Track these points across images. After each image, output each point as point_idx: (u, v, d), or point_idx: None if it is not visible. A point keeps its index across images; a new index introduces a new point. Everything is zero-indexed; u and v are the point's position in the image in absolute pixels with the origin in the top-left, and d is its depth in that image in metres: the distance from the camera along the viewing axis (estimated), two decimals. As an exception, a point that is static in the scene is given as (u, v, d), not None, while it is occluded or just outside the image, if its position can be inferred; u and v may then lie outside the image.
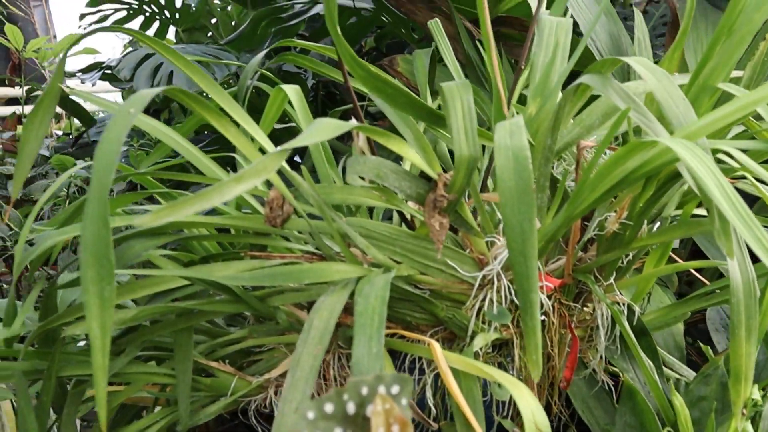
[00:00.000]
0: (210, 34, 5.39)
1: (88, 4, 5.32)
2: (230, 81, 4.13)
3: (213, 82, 1.23)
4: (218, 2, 4.92)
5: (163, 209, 0.78)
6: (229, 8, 5.28)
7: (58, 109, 5.43)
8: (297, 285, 1.20)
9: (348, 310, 1.23)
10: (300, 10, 2.74)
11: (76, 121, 6.36)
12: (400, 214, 1.28)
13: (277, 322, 1.33)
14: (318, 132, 0.91)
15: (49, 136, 6.16)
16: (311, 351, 1.05)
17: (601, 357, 1.37)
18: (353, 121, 1.06)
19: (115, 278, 1.28)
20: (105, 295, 0.90)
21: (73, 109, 5.58)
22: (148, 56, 3.86)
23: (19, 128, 5.72)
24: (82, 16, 5.35)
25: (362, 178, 1.22)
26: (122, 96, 5.87)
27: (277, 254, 1.26)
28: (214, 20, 5.39)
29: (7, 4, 7.34)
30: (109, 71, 4.36)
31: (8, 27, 5.33)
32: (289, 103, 1.41)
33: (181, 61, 1.25)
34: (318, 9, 2.71)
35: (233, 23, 5.29)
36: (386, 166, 1.08)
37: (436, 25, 1.77)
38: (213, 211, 1.54)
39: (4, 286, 3.06)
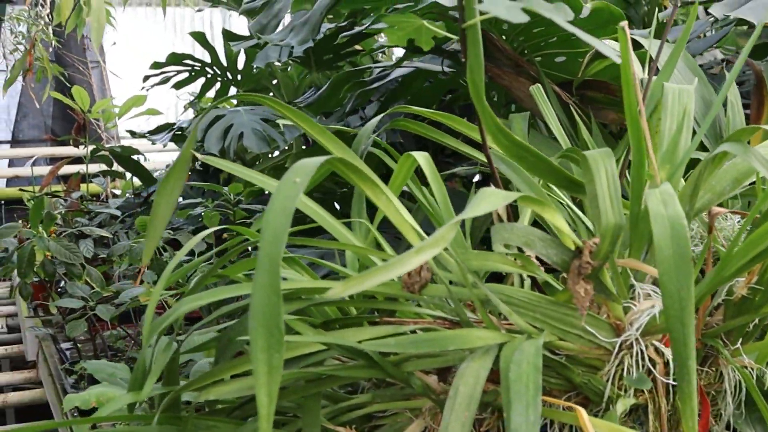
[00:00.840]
0: (271, 94, 5.44)
1: (152, 66, 5.39)
2: (300, 141, 4.17)
3: (347, 149, 1.25)
4: (278, 64, 4.97)
5: (353, 280, 0.79)
6: (290, 69, 5.33)
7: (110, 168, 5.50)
8: (431, 350, 1.20)
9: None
10: (382, 74, 2.77)
11: (135, 180, 6.43)
12: (533, 280, 1.28)
13: (401, 387, 1.33)
14: (487, 202, 0.91)
15: (107, 197, 6.23)
16: (459, 418, 1.05)
17: (724, 422, 1.36)
18: (515, 192, 1.06)
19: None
20: (273, 363, 0.91)
21: (135, 168, 5.66)
22: (218, 118, 3.90)
23: (83, 187, 5.79)
24: (146, 78, 5.42)
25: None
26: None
27: (410, 320, 1.26)
28: (275, 81, 5.44)
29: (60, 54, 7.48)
30: (179, 132, 4.41)
31: (76, 89, 5.43)
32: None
33: (316, 129, 1.26)
34: (399, 73, 2.74)
35: (295, 85, 5.34)
36: (534, 234, 1.09)
37: (538, 90, 1.78)
38: (330, 274, 1.55)
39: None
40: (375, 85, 2.71)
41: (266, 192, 3.36)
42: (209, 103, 6.20)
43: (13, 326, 6.21)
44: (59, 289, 4.77)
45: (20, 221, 7.71)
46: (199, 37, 5.35)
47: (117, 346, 3.10)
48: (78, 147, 5.46)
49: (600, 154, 1.12)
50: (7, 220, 9.20)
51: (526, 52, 2.43)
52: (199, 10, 9.08)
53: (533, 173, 1.17)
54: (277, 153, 5.11)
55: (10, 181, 9.41)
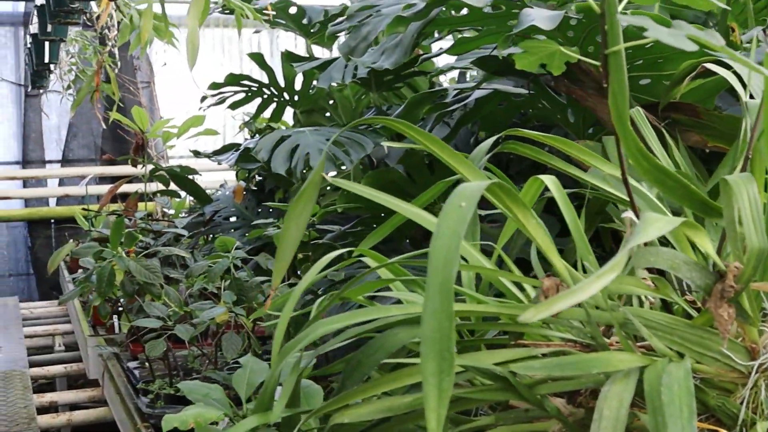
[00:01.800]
0: (328, 114, 5.47)
1: (210, 87, 5.43)
2: (363, 162, 4.19)
3: (477, 170, 1.26)
4: (335, 85, 4.99)
5: (544, 305, 0.80)
6: (345, 90, 5.36)
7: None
8: (572, 373, 1.21)
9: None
10: (462, 96, 2.78)
11: (188, 199, 6.47)
12: (664, 303, 1.28)
13: (526, 410, 1.33)
14: (654, 227, 0.92)
15: (162, 216, 6.28)
16: (606, 441, 1.05)
17: None
18: (678, 218, 1.07)
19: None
20: (443, 386, 0.92)
21: (192, 188, 5.71)
22: (283, 138, 3.92)
23: (140, 206, 5.84)
24: (203, 99, 5.47)
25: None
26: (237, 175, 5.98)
27: (542, 342, 1.27)
28: (331, 102, 5.47)
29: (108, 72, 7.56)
30: (244, 152, 4.44)
31: (135, 109, 5.48)
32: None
33: (446, 152, 1.27)
34: (479, 94, 2.75)
35: (353, 106, 5.36)
36: (679, 258, 1.09)
37: (638, 114, 1.78)
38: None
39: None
40: (455, 106, 2.72)
41: (339, 210, 3.37)
42: (264, 123, 6.25)
43: (69, 344, 6.27)
44: (120, 308, 4.82)
45: (71, 240, 7.80)
46: (257, 58, 5.39)
47: (191, 366, 3.12)
48: (136, 166, 5.50)
49: (742, 178, 1.12)
50: (58, 238, 9.30)
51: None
52: (256, 32, 9.15)
53: (671, 197, 1.18)
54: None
55: (61, 200, 9.51)
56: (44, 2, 5.21)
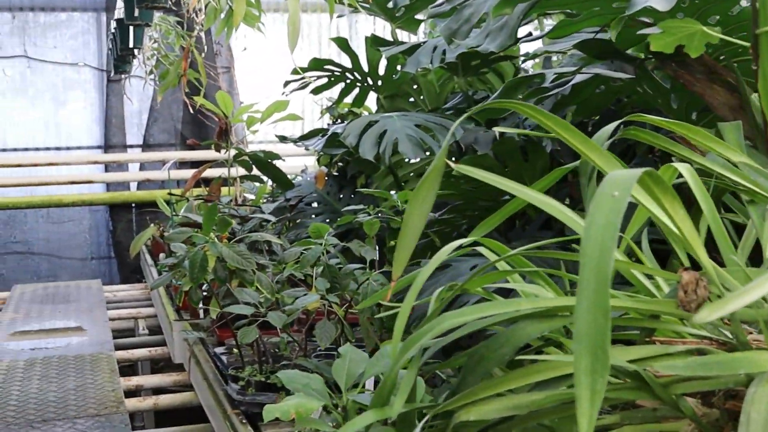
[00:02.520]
0: (412, 100, 5.42)
1: (293, 72, 5.41)
2: (451, 148, 4.12)
3: (615, 161, 1.19)
4: (419, 69, 4.91)
5: (717, 304, 0.74)
6: (429, 75, 5.30)
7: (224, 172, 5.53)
8: (714, 373, 1.14)
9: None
10: (563, 81, 2.70)
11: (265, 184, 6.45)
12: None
13: (653, 409, 1.27)
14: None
15: (244, 201, 6.28)
16: (756, 446, 0.99)
17: None
18: None
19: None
20: (597, 387, 0.86)
21: (274, 173, 5.69)
22: (371, 123, 3.88)
23: (223, 190, 5.84)
24: (287, 83, 5.45)
25: None
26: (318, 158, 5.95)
27: (676, 339, 1.20)
28: (415, 86, 5.41)
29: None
30: (332, 137, 4.40)
31: (220, 94, 5.47)
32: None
33: (578, 139, 1.21)
34: (579, 78, 2.68)
35: (437, 90, 5.30)
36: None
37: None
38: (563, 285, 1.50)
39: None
40: (555, 91, 2.65)
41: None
42: (346, 109, 6.21)
43: (151, 327, 6.31)
44: (205, 293, 4.82)
45: (152, 224, 7.86)
46: (341, 43, 5.35)
47: (282, 352, 3.09)
48: (219, 151, 5.50)
49: None
50: (138, 222, 9.38)
51: (722, 58, 2.34)
52: (339, 16, 9.12)
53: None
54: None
55: (141, 185, 9.59)
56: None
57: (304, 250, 2.86)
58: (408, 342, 1.23)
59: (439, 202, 3.51)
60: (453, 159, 4.76)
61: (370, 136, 3.78)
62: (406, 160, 5.24)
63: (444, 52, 3.96)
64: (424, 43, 4.14)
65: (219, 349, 3.80)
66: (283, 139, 5.18)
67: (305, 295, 2.79)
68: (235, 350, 3.45)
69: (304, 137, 4.72)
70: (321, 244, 2.89)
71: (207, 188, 5.81)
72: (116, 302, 7.11)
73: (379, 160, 3.76)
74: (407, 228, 1.25)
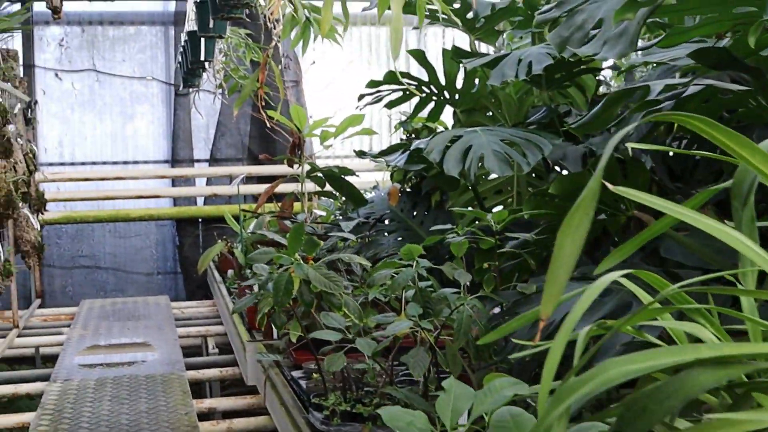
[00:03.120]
0: (490, 114, 5.27)
1: (368, 85, 5.30)
2: (537, 164, 3.94)
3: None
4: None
5: None
6: (508, 88, 5.14)
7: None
8: None
9: None
10: (675, 93, 2.51)
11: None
12: None
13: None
14: None
15: (314, 218, 6.15)
16: None
17: None
18: None
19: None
20: None
21: (348, 190, 5.55)
22: (455, 139, 3.72)
23: (296, 205, 5.71)
24: (361, 97, 5.33)
25: None
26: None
27: None
28: (494, 99, 5.26)
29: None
30: (415, 152, 4.24)
31: (294, 108, 5.36)
32: None
33: (759, 157, 1.03)
34: (693, 90, 2.48)
35: (516, 104, 5.13)
36: None
37: None
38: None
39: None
40: (666, 103, 2.46)
41: (525, 217, 3.13)
42: (420, 123, 6.07)
43: (220, 345, 6.19)
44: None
45: (219, 240, 7.75)
46: (418, 55, 5.21)
47: (368, 380, 2.92)
48: (292, 166, 5.37)
49: None
50: (205, 237, 9.30)
51: None
52: (415, 28, 8.98)
53: None
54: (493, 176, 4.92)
55: (208, 200, 9.51)
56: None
57: (395, 272, 2.70)
58: (563, 392, 1.06)
59: (524, 221, 3.34)
60: (534, 175, 4.59)
61: (454, 152, 3.62)
62: (485, 176, 5.07)
63: (530, 65, 3.79)
64: (508, 55, 3.97)
65: (296, 373, 3.65)
66: (362, 154, 5.03)
67: (394, 320, 2.62)
68: (315, 375, 3.29)
69: (384, 152, 4.56)
70: (411, 266, 2.72)
71: (278, 204, 5.68)
72: (184, 319, 6.99)
73: (464, 176, 3.60)
74: (560, 258, 1.08)
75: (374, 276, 2.75)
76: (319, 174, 5.37)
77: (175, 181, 9.60)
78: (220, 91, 8.61)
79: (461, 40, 8.78)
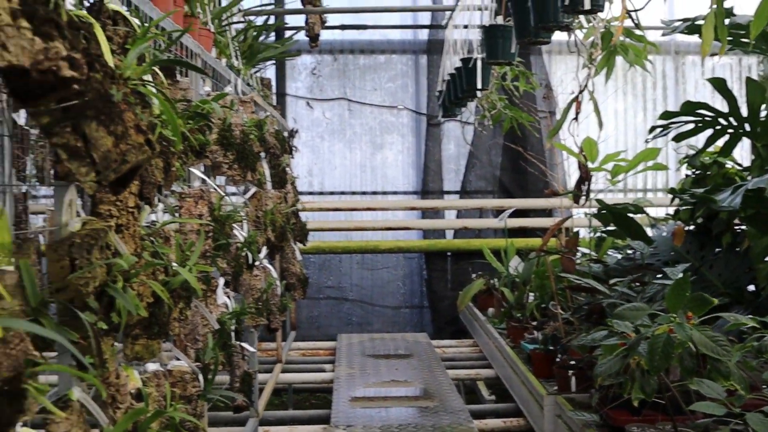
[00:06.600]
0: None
1: (661, 117, 4.97)
2: None
3: None
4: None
5: None
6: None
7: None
8: None
9: None
10: None
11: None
12: None
13: None
14: None
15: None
16: None
17: None
18: None
19: None
20: None
21: (634, 228, 5.14)
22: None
23: (553, 240, 5.34)
24: (652, 129, 4.99)
25: None
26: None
27: None
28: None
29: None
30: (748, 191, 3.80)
31: (586, 141, 4.99)
32: None
33: None
34: None
35: None
36: None
37: None
38: None
39: None
40: None
41: None
42: (709, 158, 5.62)
43: (493, 389, 5.87)
44: (571, 362, 4.29)
45: (474, 275, 7.43)
46: (719, 84, 4.81)
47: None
48: (578, 202, 4.99)
49: None
50: (455, 272, 9.02)
51: None
52: (713, 54, 8.43)
53: None
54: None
55: (458, 233, 9.23)
56: (494, 23, 4.81)
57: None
58: None
59: None
60: None
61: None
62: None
63: None
64: None
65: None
66: (676, 191, 4.61)
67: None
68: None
69: (709, 191, 4.13)
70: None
71: (562, 240, 5.31)
72: (448, 359, 6.66)
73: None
74: None
75: (763, 342, 2.32)
76: (606, 212, 4.98)
77: (425, 213, 9.36)
78: (473, 120, 8.34)
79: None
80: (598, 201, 4.98)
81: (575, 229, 5.51)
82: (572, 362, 4.27)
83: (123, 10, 2.07)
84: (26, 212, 4.14)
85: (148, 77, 2.04)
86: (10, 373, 1.34)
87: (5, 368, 1.33)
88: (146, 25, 2.21)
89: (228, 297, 3.44)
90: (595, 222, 5.45)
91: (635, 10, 3.92)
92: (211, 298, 3.24)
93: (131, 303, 1.90)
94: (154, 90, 2.02)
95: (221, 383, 3.35)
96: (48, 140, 1.59)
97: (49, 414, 1.65)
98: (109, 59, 1.72)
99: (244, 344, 3.66)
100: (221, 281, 3.40)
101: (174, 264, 2.39)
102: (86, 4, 1.93)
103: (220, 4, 5.07)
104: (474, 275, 7.61)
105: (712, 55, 7.51)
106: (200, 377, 2.78)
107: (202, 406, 2.81)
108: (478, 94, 6.14)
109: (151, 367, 2.41)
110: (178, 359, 2.75)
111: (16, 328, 1.38)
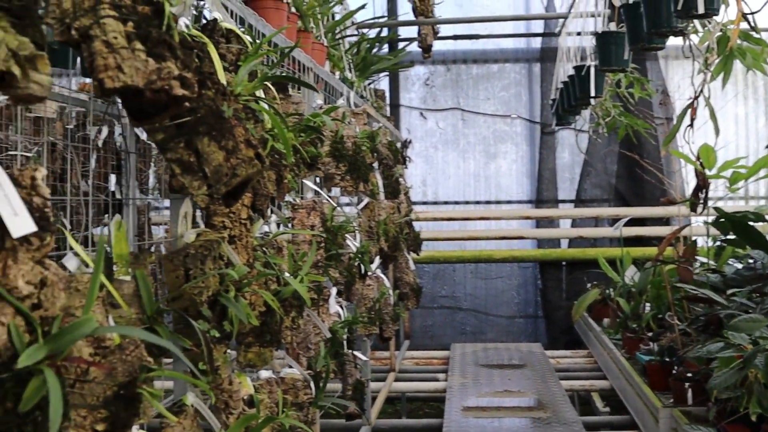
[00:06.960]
0: None
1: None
2: None
3: None
4: None
5: None
6: None
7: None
8: None
9: None
10: None
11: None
12: None
13: None
14: None
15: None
16: None
17: None
18: None
19: None
20: None
21: (756, 237, 5.01)
22: None
23: (669, 250, 5.24)
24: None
25: None
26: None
27: None
28: None
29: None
30: None
31: (703, 148, 4.89)
32: None
33: None
34: None
35: None
36: None
37: None
38: None
39: None
40: None
41: None
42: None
43: (608, 401, 5.79)
44: (688, 374, 4.21)
45: (589, 285, 7.35)
46: None
47: None
48: (695, 210, 4.89)
49: None
50: (570, 281, 8.93)
51: None
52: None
53: None
54: None
55: (572, 242, 9.14)
56: (606, 30, 4.77)
57: None
58: None
59: None
60: None
61: None
62: None
63: None
64: None
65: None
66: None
67: None
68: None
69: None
70: None
71: (679, 249, 5.22)
72: (562, 370, 6.61)
73: None
74: None
75: None
76: (725, 219, 4.88)
77: (539, 222, 9.30)
78: (587, 128, 8.25)
79: None
80: (717, 209, 4.88)
81: (693, 238, 5.39)
82: (689, 374, 4.19)
83: (236, 28, 2.12)
84: (148, 223, 4.28)
85: (260, 93, 2.09)
86: (125, 378, 1.39)
87: (121, 373, 1.38)
88: (258, 41, 2.25)
89: (340, 306, 3.49)
90: (714, 231, 5.35)
91: (752, 13, 3.82)
92: (323, 307, 3.28)
93: (243, 312, 1.95)
94: (265, 106, 2.06)
95: (333, 391, 3.39)
96: (163, 155, 1.65)
97: (165, 418, 1.71)
98: (221, 76, 1.77)
99: (356, 353, 3.70)
100: (333, 291, 3.44)
101: (286, 274, 2.43)
102: (200, 23, 1.98)
103: (333, 18, 5.13)
104: (589, 285, 7.52)
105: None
106: (312, 385, 2.82)
107: (313, 413, 2.85)
108: (592, 101, 6.08)
109: (264, 374, 2.46)
110: (290, 367, 2.80)
111: (132, 336, 1.43)
